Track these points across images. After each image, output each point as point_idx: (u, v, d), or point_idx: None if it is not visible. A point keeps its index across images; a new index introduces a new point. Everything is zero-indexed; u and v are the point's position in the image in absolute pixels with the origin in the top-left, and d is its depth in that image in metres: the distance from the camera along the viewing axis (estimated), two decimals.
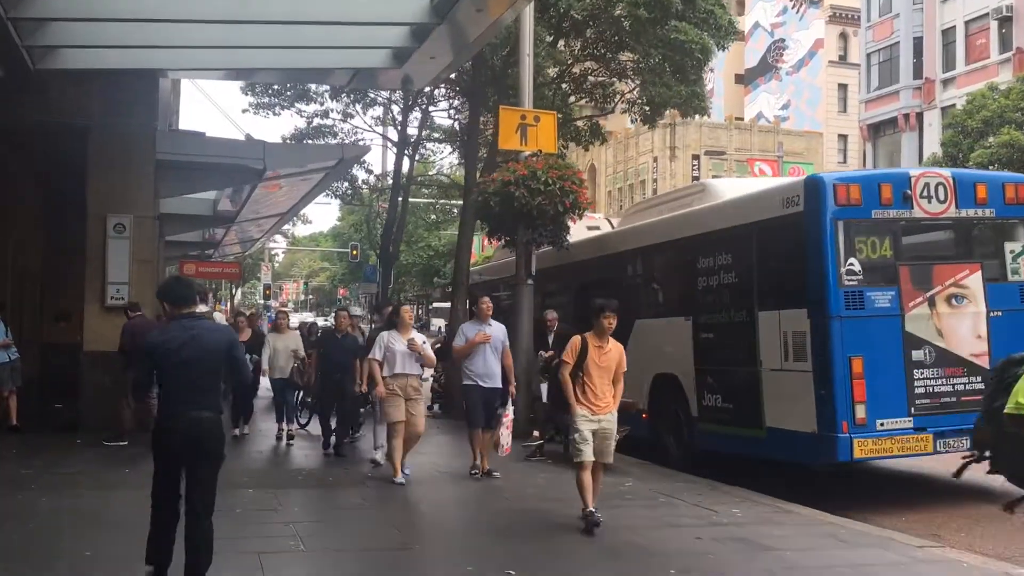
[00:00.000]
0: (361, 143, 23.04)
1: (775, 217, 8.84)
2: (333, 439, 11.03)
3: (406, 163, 23.75)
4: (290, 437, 11.95)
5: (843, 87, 58.04)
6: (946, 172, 9.04)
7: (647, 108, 18.04)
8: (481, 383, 9.31)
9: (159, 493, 5.03)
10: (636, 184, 52.20)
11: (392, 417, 8.80)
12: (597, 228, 14.35)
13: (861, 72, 43.08)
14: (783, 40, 57.42)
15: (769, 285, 9.07)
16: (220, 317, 35.15)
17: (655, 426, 10.90)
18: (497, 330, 9.52)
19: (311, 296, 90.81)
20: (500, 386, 9.42)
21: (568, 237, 12.46)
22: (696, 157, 49.30)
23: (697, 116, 20.50)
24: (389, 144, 24.14)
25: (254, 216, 20.04)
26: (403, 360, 8.80)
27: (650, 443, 10.83)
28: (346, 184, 25.50)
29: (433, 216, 43.06)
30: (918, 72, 38.61)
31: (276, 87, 21.94)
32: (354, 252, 42.38)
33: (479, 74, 16.59)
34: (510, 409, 9.60)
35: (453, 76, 18.05)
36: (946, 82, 37.46)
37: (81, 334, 12.53)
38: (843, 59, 56.72)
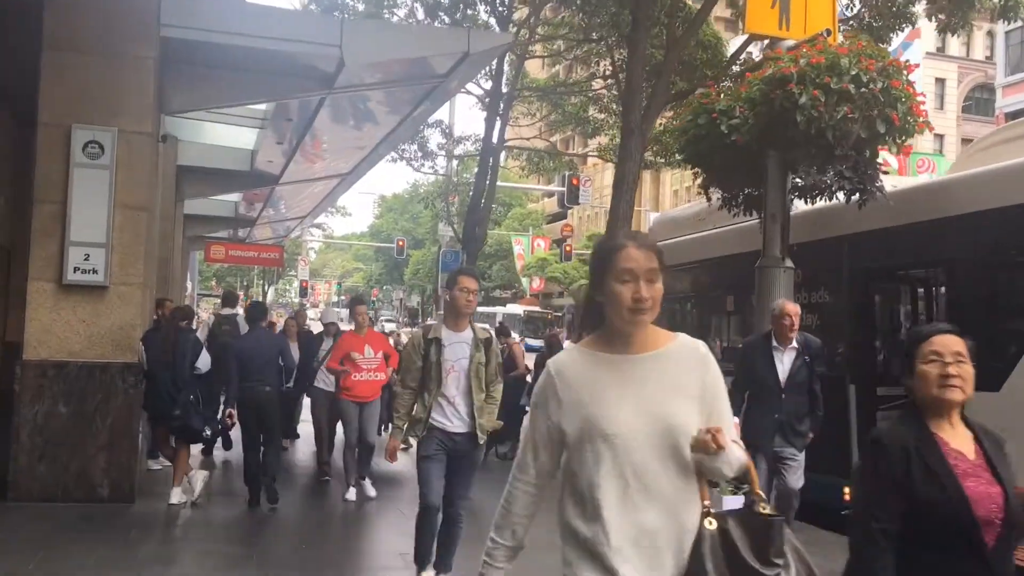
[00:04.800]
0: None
1: None
2: None
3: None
4: None
5: (940, 82, 52.71)
6: None
7: None
8: None
9: (247, 442, 7.85)
10: None
11: None
12: None
13: (997, 54, 37.37)
14: None
15: None
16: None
17: None
18: None
19: (343, 297, 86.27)
20: None
21: (884, 181, 7.03)
22: None
23: None
24: (478, 98, 18.82)
25: (305, 178, 14.62)
26: None
27: None
28: (415, 147, 20.12)
29: None
30: None
31: None
32: (400, 244, 38.09)
33: None
34: None
35: None
36: None
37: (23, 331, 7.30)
38: (941, 51, 51.26)
